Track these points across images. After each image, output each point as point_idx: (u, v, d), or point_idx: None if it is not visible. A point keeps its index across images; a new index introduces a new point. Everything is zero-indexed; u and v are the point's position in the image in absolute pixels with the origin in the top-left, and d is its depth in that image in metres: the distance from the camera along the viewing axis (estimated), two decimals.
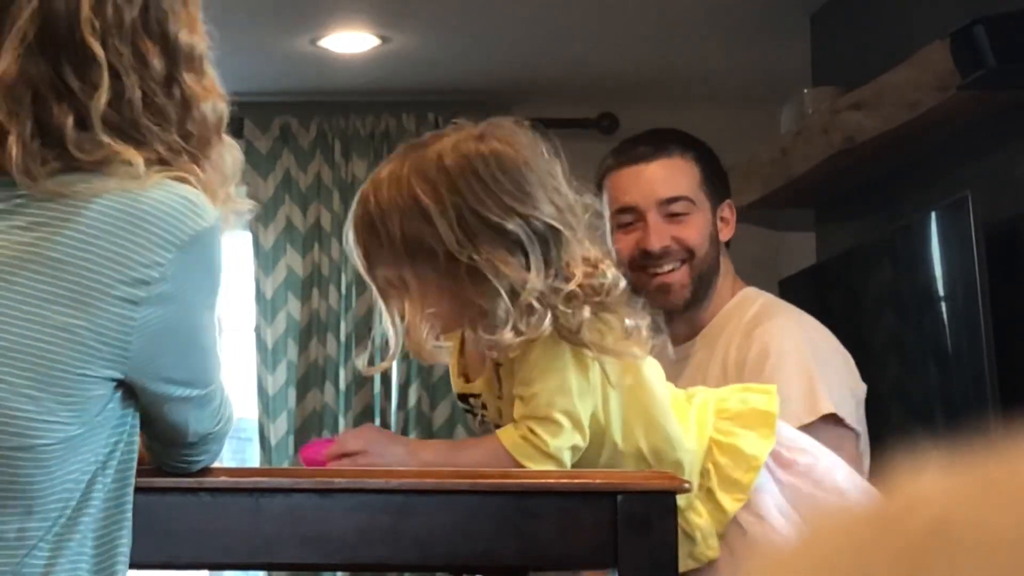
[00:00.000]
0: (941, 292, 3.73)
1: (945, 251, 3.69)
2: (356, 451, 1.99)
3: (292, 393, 5.34)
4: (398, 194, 1.95)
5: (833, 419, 2.53)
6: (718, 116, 4.89)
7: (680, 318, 2.73)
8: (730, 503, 2.04)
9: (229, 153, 1.77)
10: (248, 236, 5.44)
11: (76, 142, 1.61)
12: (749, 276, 2.86)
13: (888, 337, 3.83)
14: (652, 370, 2.04)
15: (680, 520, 1.94)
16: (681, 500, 1.96)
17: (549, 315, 1.91)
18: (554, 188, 1.98)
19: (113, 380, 1.63)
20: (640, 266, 2.68)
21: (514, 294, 1.91)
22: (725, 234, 2.77)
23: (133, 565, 1.95)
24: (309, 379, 5.31)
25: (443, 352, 2.03)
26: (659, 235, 2.68)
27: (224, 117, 1.77)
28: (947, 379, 3.62)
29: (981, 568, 0.47)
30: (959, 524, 0.48)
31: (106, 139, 1.62)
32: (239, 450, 5.68)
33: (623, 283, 1.98)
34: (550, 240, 1.94)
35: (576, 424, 1.95)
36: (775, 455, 2.08)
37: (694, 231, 2.70)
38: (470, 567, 2.14)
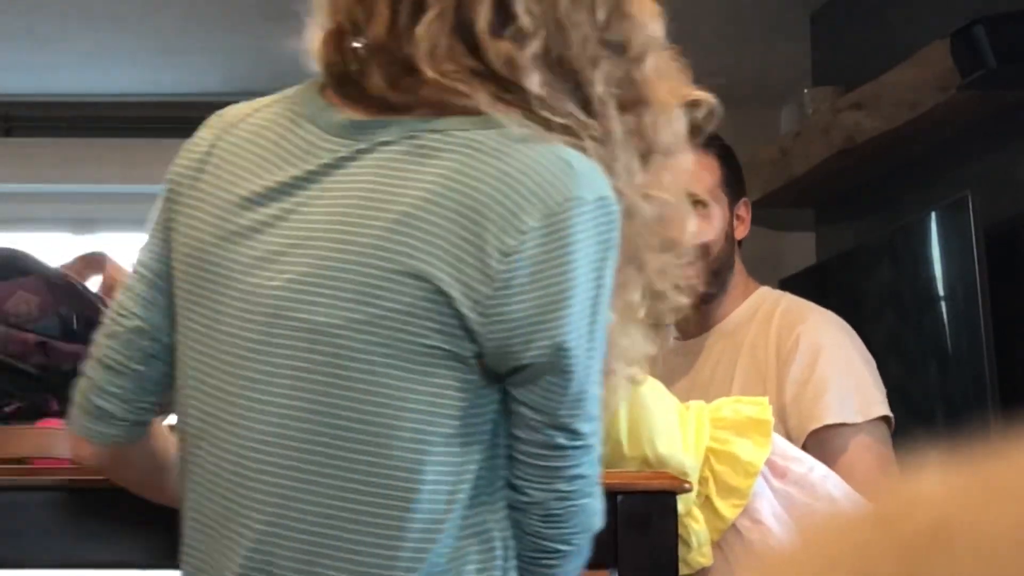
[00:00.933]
0: (941, 292, 3.73)
1: (945, 251, 3.70)
2: None
3: None
4: None
5: (883, 420, 2.58)
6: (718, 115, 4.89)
7: (693, 312, 2.75)
8: (728, 510, 2.05)
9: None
10: None
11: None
12: (749, 276, 2.87)
13: (888, 337, 3.83)
14: (653, 382, 2.05)
15: (679, 526, 1.96)
16: (680, 506, 1.97)
17: None
18: None
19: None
20: None
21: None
22: (740, 232, 2.79)
23: (133, 565, 1.95)
24: None
25: None
26: None
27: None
28: (947, 379, 3.62)
29: (981, 568, 0.47)
30: (959, 524, 0.48)
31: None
32: None
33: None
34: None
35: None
36: (770, 464, 2.09)
37: (710, 228, 2.72)
38: None
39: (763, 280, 2.92)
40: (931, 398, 3.67)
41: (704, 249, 2.71)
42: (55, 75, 5.21)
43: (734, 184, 2.79)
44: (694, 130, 2.61)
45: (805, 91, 4.42)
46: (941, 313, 3.71)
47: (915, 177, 4.10)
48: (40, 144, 5.44)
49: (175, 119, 5.48)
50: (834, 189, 4.45)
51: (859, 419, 2.53)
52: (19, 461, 1.95)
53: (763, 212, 4.55)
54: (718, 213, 2.74)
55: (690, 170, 2.69)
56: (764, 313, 2.71)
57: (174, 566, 1.98)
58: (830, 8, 4.60)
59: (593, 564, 1.98)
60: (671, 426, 2.04)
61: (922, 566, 0.48)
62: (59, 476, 1.89)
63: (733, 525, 2.06)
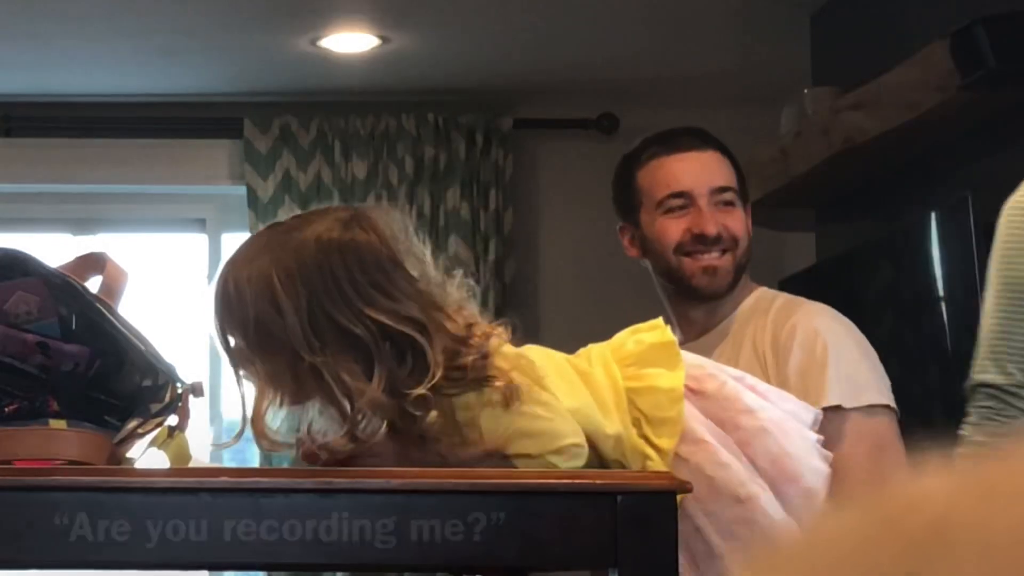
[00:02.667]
0: (941, 292, 3.73)
1: (945, 251, 3.69)
2: None
3: None
4: (257, 279, 1.94)
5: (887, 409, 2.60)
6: (718, 116, 4.89)
7: (698, 309, 2.76)
8: (667, 442, 2.03)
9: None
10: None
11: None
12: (748, 277, 2.88)
13: (888, 337, 3.83)
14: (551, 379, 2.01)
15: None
16: (614, 453, 1.98)
17: (384, 425, 1.90)
18: (419, 277, 1.95)
19: None
20: (687, 251, 2.73)
21: (351, 401, 1.90)
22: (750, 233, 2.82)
23: (133, 565, 1.95)
24: None
25: (284, 443, 2.00)
26: (714, 220, 2.72)
27: None
28: (947, 379, 3.62)
29: (981, 568, 0.47)
30: (959, 524, 0.48)
31: None
32: (239, 450, 5.68)
33: (499, 336, 1.96)
34: (406, 343, 1.91)
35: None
36: (686, 385, 2.07)
37: (739, 222, 2.76)
38: (470, 567, 2.14)
39: (763, 280, 2.93)
40: (931, 398, 3.66)
41: (733, 240, 2.74)
42: (55, 75, 5.21)
43: (744, 187, 2.82)
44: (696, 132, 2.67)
45: (805, 91, 4.42)
46: (941, 313, 3.71)
47: (915, 177, 4.10)
48: (40, 144, 5.44)
49: (175, 119, 5.48)
50: (834, 189, 4.45)
51: (854, 404, 2.54)
52: (6, 462, 1.95)
53: (763, 212, 4.54)
54: (742, 210, 2.78)
55: (713, 164, 2.74)
56: (761, 310, 2.73)
57: (174, 566, 1.98)
58: (830, 8, 4.60)
59: (593, 564, 1.98)
60: (568, 379, 2.03)
61: (923, 565, 0.48)
62: (59, 476, 1.89)
63: (676, 453, 2.05)
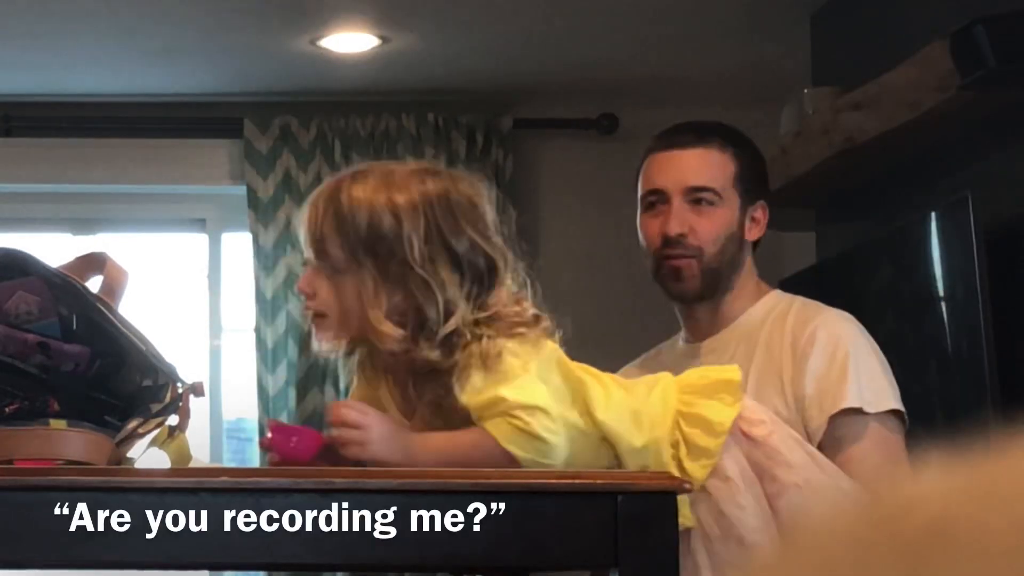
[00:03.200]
0: (941, 292, 3.73)
1: (945, 251, 3.69)
2: (355, 424, 2.01)
3: (292, 393, 5.34)
4: (375, 193, 2.06)
5: (897, 415, 2.59)
6: (718, 116, 4.88)
7: (701, 310, 2.75)
8: (699, 470, 2.06)
9: None
10: (248, 236, 5.44)
11: None
12: (761, 279, 2.88)
13: (888, 337, 3.82)
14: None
15: None
16: (634, 465, 2.03)
17: (470, 336, 2.05)
18: (498, 234, 2.16)
19: None
20: (661, 252, 2.72)
21: (447, 313, 2.04)
22: (753, 234, 2.78)
23: (133, 565, 1.95)
24: (309, 379, 5.31)
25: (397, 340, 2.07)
26: (679, 221, 2.71)
27: None
28: (947, 379, 3.62)
29: (980, 568, 0.47)
30: (959, 524, 0.48)
31: None
32: (239, 450, 5.68)
33: (544, 322, 2.17)
34: (486, 273, 2.09)
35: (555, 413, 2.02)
36: (735, 425, 2.10)
37: (711, 225, 2.72)
38: (470, 567, 2.14)
39: (763, 280, 2.92)
40: (931, 398, 3.66)
41: (699, 244, 2.71)
42: (55, 75, 5.21)
43: (752, 184, 2.78)
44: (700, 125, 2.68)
45: (805, 91, 4.41)
46: (941, 313, 3.71)
47: (915, 177, 4.09)
48: (40, 144, 5.44)
49: (175, 119, 5.48)
50: (834, 189, 4.44)
51: (873, 409, 2.54)
52: (6, 462, 1.95)
53: None
54: (724, 212, 2.74)
55: (694, 162, 2.73)
56: (779, 313, 2.71)
57: (174, 565, 1.98)
58: (830, 8, 4.60)
59: (593, 564, 1.98)
60: (610, 394, 2.08)
61: (922, 565, 0.48)
62: (59, 476, 1.89)
63: (703, 486, 2.07)
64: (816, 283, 4.39)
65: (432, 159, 5.40)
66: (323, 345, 2.11)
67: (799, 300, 2.77)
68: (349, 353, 2.16)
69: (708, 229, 2.72)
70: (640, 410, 2.09)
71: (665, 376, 2.19)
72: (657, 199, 2.74)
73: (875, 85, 3.91)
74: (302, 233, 2.11)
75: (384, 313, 2.03)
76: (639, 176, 2.82)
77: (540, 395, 2.04)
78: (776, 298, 2.77)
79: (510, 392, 2.02)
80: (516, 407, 2.02)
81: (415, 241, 2.02)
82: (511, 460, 2.01)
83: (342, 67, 5.12)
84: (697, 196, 2.72)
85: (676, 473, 2.05)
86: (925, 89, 3.64)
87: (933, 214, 3.74)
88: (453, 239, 2.05)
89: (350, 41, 4.89)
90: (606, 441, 2.08)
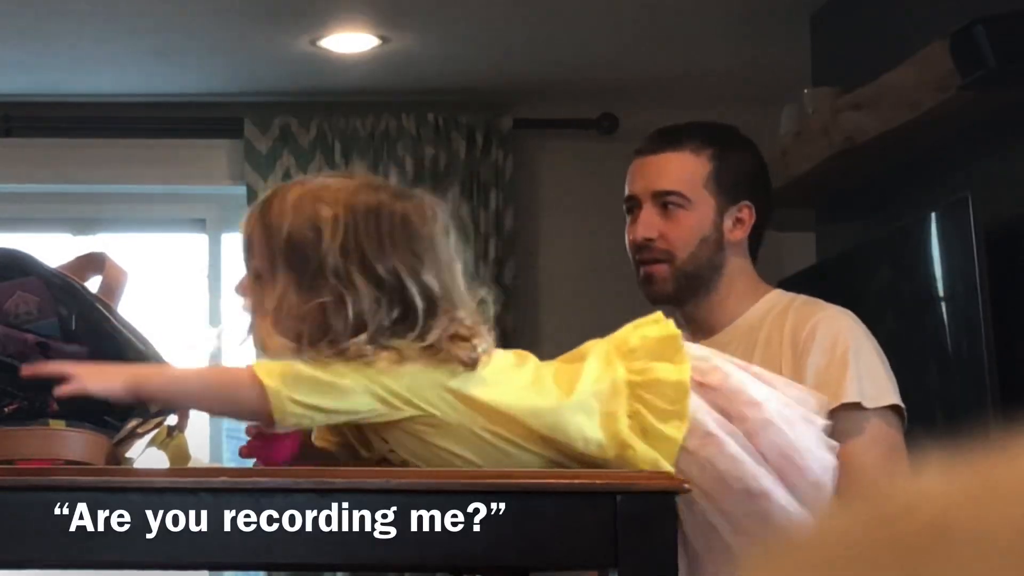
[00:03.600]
0: (941, 292, 3.73)
1: (945, 251, 3.69)
2: (66, 373, 1.96)
3: None
4: (301, 201, 2.02)
5: (896, 411, 2.59)
6: (718, 116, 4.88)
7: (695, 311, 2.76)
8: (673, 431, 2.01)
9: None
10: None
11: None
12: (760, 279, 2.88)
13: (888, 337, 3.82)
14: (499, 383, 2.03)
15: (625, 465, 1.97)
16: (609, 452, 1.97)
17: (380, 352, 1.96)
18: (447, 267, 2.03)
19: None
20: (637, 258, 2.75)
21: (356, 328, 1.96)
22: (736, 235, 2.77)
23: (133, 565, 1.95)
24: None
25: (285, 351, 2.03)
26: (647, 226, 2.73)
27: None
28: (947, 379, 3.62)
29: (980, 568, 0.47)
30: (959, 524, 0.48)
31: None
32: (238, 450, 5.68)
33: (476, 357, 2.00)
34: (418, 300, 1.98)
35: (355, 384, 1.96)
36: (693, 378, 2.05)
37: (680, 229, 2.73)
38: (470, 567, 2.14)
39: (763, 280, 2.92)
40: (931, 398, 3.66)
41: (667, 248, 2.72)
42: (55, 75, 5.21)
43: (731, 185, 2.77)
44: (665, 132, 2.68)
45: (805, 91, 4.41)
46: (941, 313, 3.71)
47: (915, 177, 4.09)
48: (40, 144, 5.44)
49: (174, 119, 5.48)
50: (834, 189, 4.44)
51: (872, 404, 2.54)
52: (6, 462, 1.95)
53: None
54: (695, 214, 2.74)
55: (661, 166, 2.74)
56: (779, 311, 2.71)
57: (173, 565, 1.98)
58: (830, 8, 4.60)
59: (593, 564, 1.98)
60: (529, 380, 2.02)
61: (922, 565, 0.48)
62: (59, 476, 1.89)
63: (684, 447, 2.03)
64: (816, 283, 4.39)
65: (432, 159, 5.40)
66: (256, 348, 2.09)
67: (800, 298, 2.77)
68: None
69: (677, 233, 2.73)
70: (574, 405, 2.02)
71: (598, 347, 2.08)
72: (632, 205, 2.78)
73: (875, 85, 3.91)
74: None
75: (275, 324, 1.98)
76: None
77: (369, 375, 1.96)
78: (777, 297, 2.77)
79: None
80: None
81: (330, 254, 1.97)
82: (261, 396, 1.93)
83: (342, 67, 5.12)
84: (664, 200, 2.74)
85: (642, 442, 2.00)
86: (925, 89, 3.64)
87: (933, 214, 3.74)
88: (374, 258, 1.98)
89: (350, 41, 4.89)
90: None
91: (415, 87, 5.33)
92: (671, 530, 1.90)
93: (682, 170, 2.75)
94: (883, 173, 4.22)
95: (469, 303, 2.04)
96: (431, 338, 1.96)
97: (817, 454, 2.05)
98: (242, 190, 5.44)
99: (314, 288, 1.98)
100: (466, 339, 1.98)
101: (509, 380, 2.02)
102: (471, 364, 1.97)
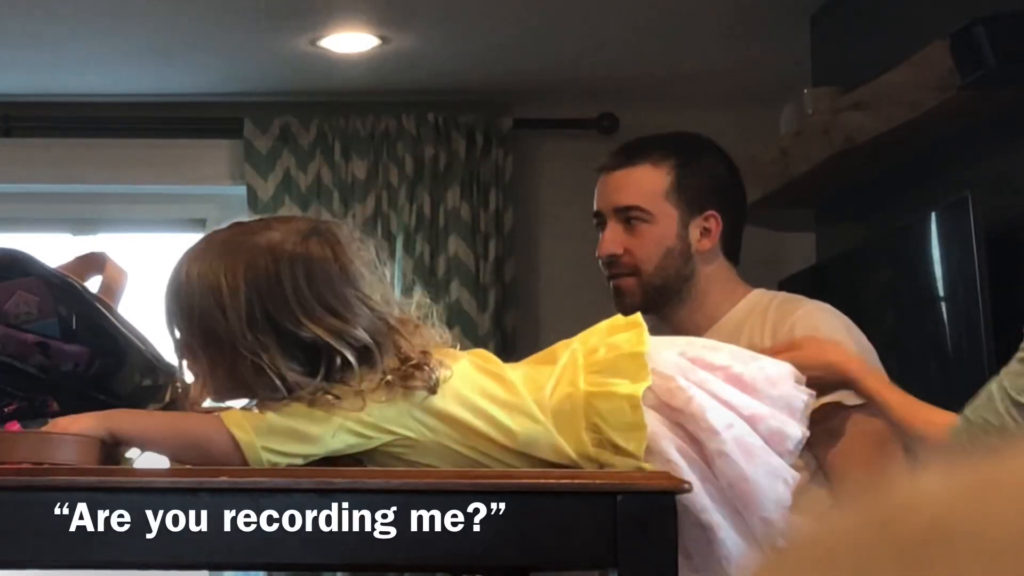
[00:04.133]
0: (941, 292, 3.73)
1: (945, 251, 3.70)
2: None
3: None
4: (205, 276, 1.98)
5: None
6: (718, 116, 4.89)
7: (681, 310, 2.76)
8: (634, 444, 1.98)
9: None
10: None
11: None
12: (749, 276, 2.87)
13: (888, 337, 3.83)
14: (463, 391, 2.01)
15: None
16: (583, 463, 1.96)
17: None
18: (375, 298, 1.99)
19: None
20: (605, 272, 2.79)
21: (291, 391, 1.94)
22: (704, 244, 2.77)
23: (133, 565, 1.95)
24: None
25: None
26: (611, 242, 2.78)
27: None
28: (947, 379, 3.62)
29: (981, 568, 0.47)
30: (959, 524, 0.48)
31: None
32: None
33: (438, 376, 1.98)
34: (351, 355, 1.95)
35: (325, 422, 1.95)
36: (656, 397, 2.01)
37: (643, 244, 2.76)
38: (470, 567, 2.14)
39: (763, 280, 2.92)
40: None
41: (633, 263, 2.74)
42: (55, 75, 5.21)
43: (694, 195, 2.77)
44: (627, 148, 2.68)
45: (805, 91, 4.42)
46: (941, 313, 3.71)
47: (915, 177, 4.10)
48: (40, 144, 5.44)
49: (175, 119, 5.48)
50: (834, 189, 4.45)
51: (853, 401, 2.53)
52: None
53: (763, 212, 4.55)
54: (658, 228, 2.75)
55: (620, 182, 2.76)
56: (760, 309, 2.72)
57: (173, 565, 1.98)
58: (830, 8, 4.60)
59: (593, 564, 1.98)
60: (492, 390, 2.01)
61: (922, 566, 0.48)
62: (59, 476, 1.89)
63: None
64: (816, 283, 4.39)
65: (432, 159, 5.40)
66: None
67: (781, 295, 2.78)
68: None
69: (641, 247, 2.76)
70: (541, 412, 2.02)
71: (567, 356, 2.05)
72: (599, 222, 2.81)
73: (875, 85, 3.91)
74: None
75: (215, 394, 1.98)
76: None
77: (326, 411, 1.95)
78: (758, 297, 2.78)
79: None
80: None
81: (238, 332, 1.93)
82: (233, 447, 1.92)
83: (342, 67, 5.12)
84: (627, 215, 2.77)
85: (609, 456, 1.99)
86: (925, 89, 3.64)
87: (933, 214, 3.74)
88: (292, 326, 1.94)
89: (350, 41, 4.89)
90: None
91: (415, 87, 5.33)
92: (671, 530, 1.90)
93: (641, 184, 2.77)
94: (883, 173, 4.23)
95: (411, 321, 2.01)
96: (380, 378, 1.94)
97: (772, 489, 2.00)
98: (242, 190, 5.44)
99: (236, 363, 1.95)
100: (419, 367, 1.96)
101: (474, 391, 2.01)
102: (432, 389, 1.95)
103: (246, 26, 4.73)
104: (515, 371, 2.05)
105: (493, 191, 5.43)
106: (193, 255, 2.03)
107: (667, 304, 2.76)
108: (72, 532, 1.86)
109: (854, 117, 3.98)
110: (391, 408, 1.96)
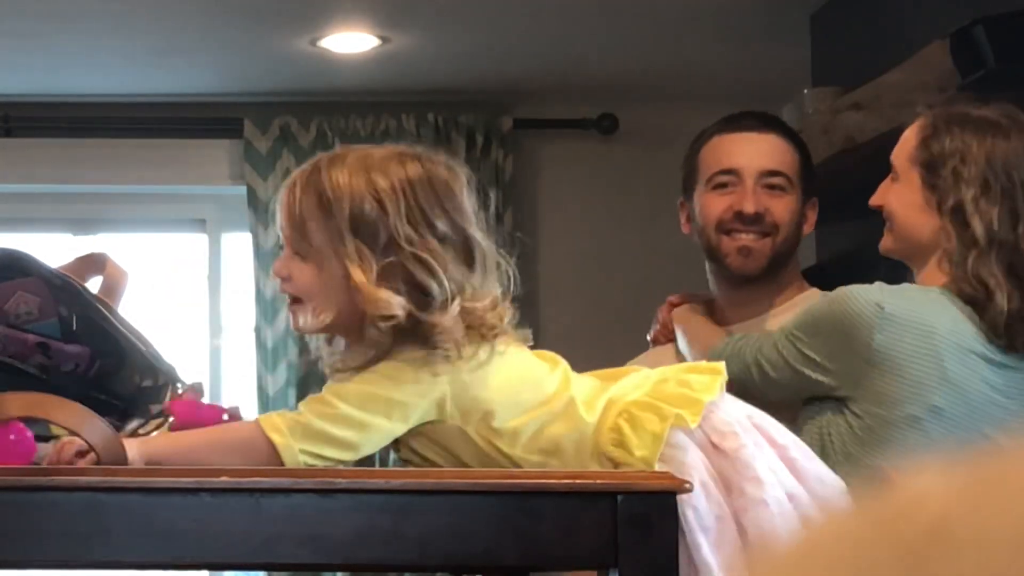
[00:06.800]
0: None
1: None
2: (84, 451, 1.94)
3: (292, 393, 5.34)
4: (354, 176, 2.04)
5: None
6: (718, 116, 4.89)
7: (742, 293, 2.77)
8: (647, 450, 1.97)
9: None
10: (248, 236, 5.44)
11: None
12: (803, 277, 2.92)
13: None
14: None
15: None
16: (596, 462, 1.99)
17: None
18: (478, 223, 2.11)
19: None
20: (727, 229, 2.75)
21: (452, 290, 2.01)
22: (806, 229, 2.84)
23: (133, 565, 1.95)
24: (309, 379, 5.31)
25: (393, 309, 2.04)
26: (756, 200, 2.74)
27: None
28: None
29: (981, 568, 0.47)
30: (959, 524, 0.48)
31: None
32: None
33: (508, 319, 2.10)
34: (471, 259, 2.07)
35: (368, 415, 1.97)
36: (707, 435, 2.01)
37: (785, 208, 2.77)
38: (470, 567, 2.14)
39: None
40: None
41: (774, 225, 2.75)
42: (55, 75, 5.21)
43: (808, 180, 2.83)
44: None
45: (805, 91, 4.42)
46: None
47: None
48: (40, 144, 5.44)
49: (174, 119, 5.48)
50: (834, 189, 4.44)
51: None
52: None
53: None
54: (792, 198, 2.79)
55: (767, 147, 2.76)
56: (799, 304, 2.73)
57: (174, 565, 1.98)
58: (830, 8, 4.60)
59: (593, 564, 1.98)
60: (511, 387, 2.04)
61: (922, 566, 0.48)
62: (59, 476, 1.89)
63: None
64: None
65: None
66: (304, 327, 2.08)
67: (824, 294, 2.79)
68: (331, 340, 2.12)
69: (781, 211, 2.77)
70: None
71: (641, 375, 2.10)
72: (729, 179, 2.77)
73: (875, 85, 3.91)
74: (279, 217, 2.09)
75: (377, 282, 2.01)
76: (697, 156, 2.84)
77: (367, 395, 1.98)
78: (810, 294, 2.81)
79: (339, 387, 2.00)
80: (310, 399, 2.00)
81: (399, 222, 2.00)
82: (273, 453, 1.94)
83: (342, 67, 5.12)
84: (770, 181, 2.77)
85: (618, 452, 1.99)
86: (925, 89, 3.64)
87: None
88: (435, 219, 2.03)
89: (350, 41, 4.90)
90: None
91: (415, 87, 5.33)
92: (671, 530, 1.90)
93: (785, 153, 2.81)
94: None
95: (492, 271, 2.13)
96: (488, 301, 2.05)
97: None
98: (242, 190, 5.44)
99: (391, 257, 2.00)
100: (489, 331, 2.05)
101: (538, 385, 2.05)
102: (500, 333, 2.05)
103: (246, 26, 4.73)
104: (582, 379, 2.08)
105: (493, 191, 5.43)
106: (327, 165, 2.07)
107: (771, 277, 2.78)
108: (72, 532, 1.86)
109: (854, 117, 3.98)
110: (434, 389, 2.00)
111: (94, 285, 2.21)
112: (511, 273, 2.15)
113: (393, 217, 2.00)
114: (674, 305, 2.90)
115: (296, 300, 2.06)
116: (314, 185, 2.04)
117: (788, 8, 4.61)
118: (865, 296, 2.40)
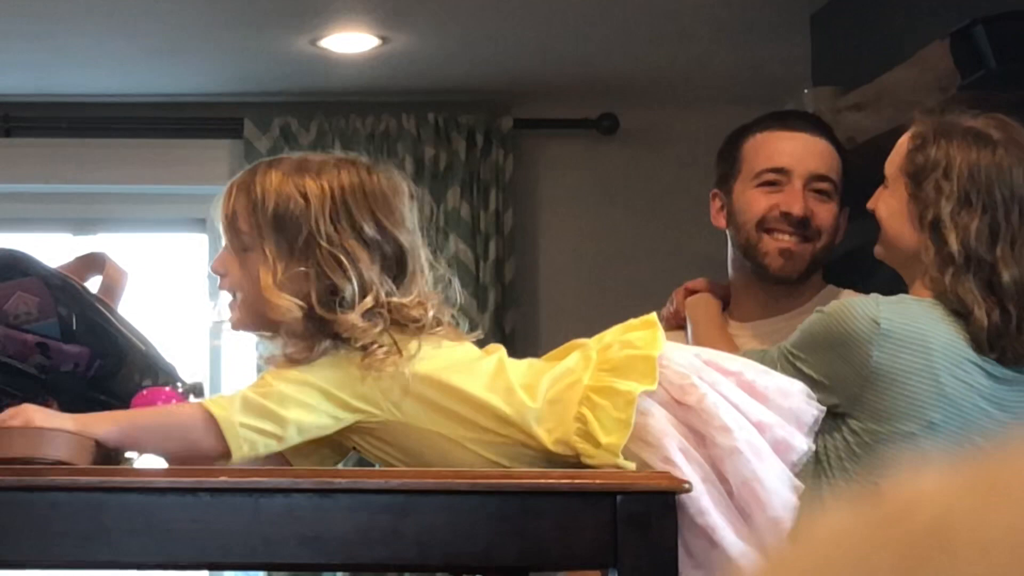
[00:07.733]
0: None
1: None
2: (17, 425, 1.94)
3: None
4: (286, 177, 2.08)
5: None
6: (718, 116, 4.89)
7: (768, 292, 2.77)
8: (615, 437, 1.96)
9: None
10: None
11: None
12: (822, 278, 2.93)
13: None
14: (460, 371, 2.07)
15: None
16: (560, 449, 1.98)
17: (385, 313, 2.04)
18: (413, 231, 2.13)
19: None
20: (769, 227, 2.74)
21: (363, 289, 2.03)
22: (840, 237, 2.83)
23: (133, 565, 1.95)
24: None
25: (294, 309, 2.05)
26: (804, 203, 2.73)
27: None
28: None
29: (981, 568, 0.47)
30: (959, 524, 0.48)
31: None
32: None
33: (443, 322, 2.12)
34: (395, 261, 2.08)
35: (304, 395, 1.98)
36: (667, 391, 2.01)
37: (828, 214, 2.77)
38: (470, 567, 2.14)
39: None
40: None
41: (817, 230, 2.75)
42: (55, 75, 5.21)
43: (844, 188, 2.83)
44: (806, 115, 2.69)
45: (805, 91, 4.41)
46: None
47: None
48: (40, 144, 5.44)
49: (174, 119, 5.48)
50: None
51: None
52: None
53: None
54: (834, 204, 2.79)
55: (818, 150, 2.75)
56: (820, 303, 2.73)
57: (174, 565, 1.98)
58: (830, 8, 4.60)
59: (593, 564, 1.98)
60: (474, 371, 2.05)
61: (922, 566, 0.48)
62: (58, 476, 1.89)
63: (646, 464, 1.99)
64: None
65: (432, 159, 5.41)
66: (235, 324, 2.11)
67: (845, 292, 2.79)
68: (264, 336, 2.13)
69: (825, 217, 2.77)
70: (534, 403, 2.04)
71: (577, 353, 2.08)
72: (778, 177, 2.76)
73: (875, 85, 3.91)
74: (216, 217, 2.12)
75: (279, 286, 2.02)
76: (740, 150, 2.82)
77: (312, 381, 2.00)
78: (827, 291, 2.81)
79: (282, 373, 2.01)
80: (253, 384, 2.01)
81: (322, 221, 2.04)
82: (213, 426, 1.95)
83: (342, 67, 5.12)
84: (818, 186, 2.76)
85: (590, 448, 1.99)
86: (925, 89, 3.64)
87: None
88: (362, 222, 2.06)
89: (350, 41, 4.89)
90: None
91: (415, 87, 5.33)
92: (671, 530, 1.90)
93: (833, 159, 2.80)
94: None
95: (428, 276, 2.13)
96: (413, 297, 2.06)
97: (781, 491, 1.99)
98: None
99: (309, 254, 2.03)
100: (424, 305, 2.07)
101: (471, 369, 2.06)
102: (435, 323, 2.07)
103: (246, 26, 4.73)
104: (519, 362, 2.08)
105: (493, 191, 5.43)
106: (264, 168, 2.11)
107: (804, 280, 2.77)
108: (72, 532, 1.86)
109: (854, 117, 3.98)
110: (386, 379, 2.00)
111: (94, 285, 2.21)
112: (450, 279, 2.18)
113: (316, 214, 2.04)
114: (690, 292, 2.88)
115: (232, 296, 2.10)
116: (247, 186, 2.08)
117: (788, 8, 4.61)
118: (862, 312, 2.39)
